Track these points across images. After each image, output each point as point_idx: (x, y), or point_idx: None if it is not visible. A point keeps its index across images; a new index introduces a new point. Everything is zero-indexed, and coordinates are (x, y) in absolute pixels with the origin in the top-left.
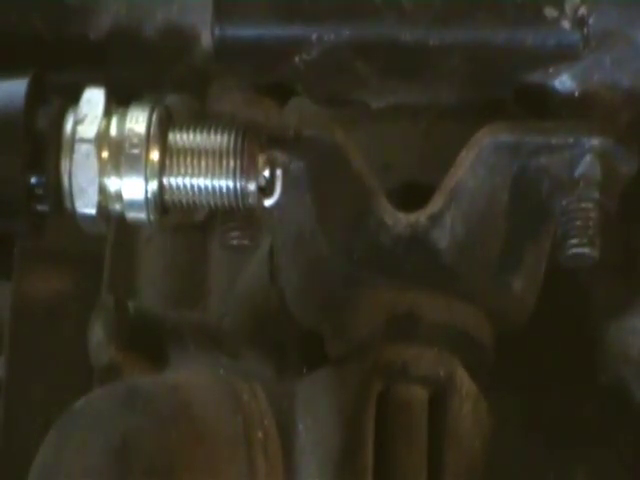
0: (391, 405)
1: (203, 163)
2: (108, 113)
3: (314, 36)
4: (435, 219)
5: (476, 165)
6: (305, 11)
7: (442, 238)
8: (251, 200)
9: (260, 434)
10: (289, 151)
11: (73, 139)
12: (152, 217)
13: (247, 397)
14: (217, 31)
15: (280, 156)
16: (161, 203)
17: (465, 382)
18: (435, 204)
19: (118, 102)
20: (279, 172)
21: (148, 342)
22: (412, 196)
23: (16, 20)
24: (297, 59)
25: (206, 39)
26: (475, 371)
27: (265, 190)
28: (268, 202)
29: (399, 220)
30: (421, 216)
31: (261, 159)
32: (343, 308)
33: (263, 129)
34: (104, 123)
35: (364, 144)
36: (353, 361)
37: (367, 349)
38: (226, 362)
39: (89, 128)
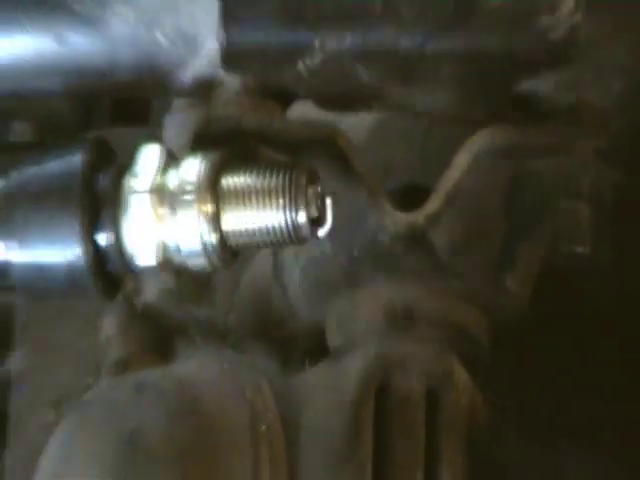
0: (390, 400)
1: (254, 204)
2: (164, 167)
3: (317, 42)
4: (432, 219)
5: (472, 167)
6: (308, 19)
7: (439, 237)
8: (304, 232)
9: (264, 427)
10: (293, 154)
11: (129, 193)
12: (214, 262)
13: (252, 391)
14: (224, 38)
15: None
16: (220, 248)
17: (462, 377)
18: (433, 204)
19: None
20: (329, 201)
21: (156, 338)
22: (411, 197)
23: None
24: (301, 65)
25: (213, 45)
26: (471, 366)
27: (318, 220)
28: (321, 232)
29: (398, 220)
30: (419, 216)
31: (310, 192)
32: (343, 304)
33: (269, 132)
34: (159, 176)
35: (366, 147)
36: (353, 355)
37: (366, 344)
38: (231, 357)
39: (144, 181)
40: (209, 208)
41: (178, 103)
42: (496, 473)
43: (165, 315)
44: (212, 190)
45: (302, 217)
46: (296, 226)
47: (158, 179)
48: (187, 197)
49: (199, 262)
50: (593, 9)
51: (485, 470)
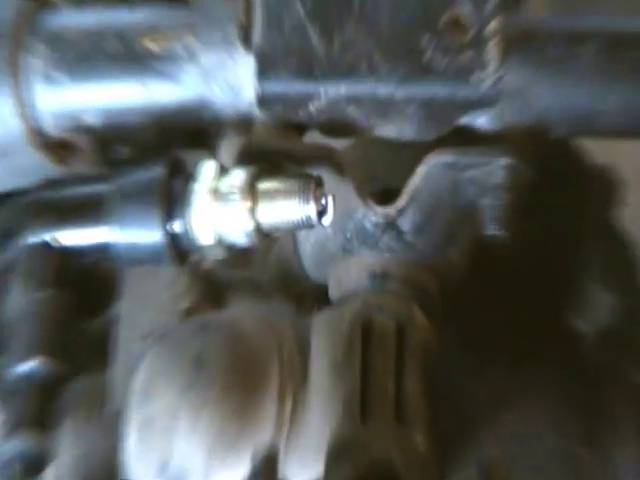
0: (372, 333)
1: (280, 201)
2: (218, 175)
3: (322, 91)
4: (401, 211)
5: (428, 176)
6: (316, 75)
7: (406, 224)
8: (313, 221)
9: (286, 353)
10: (306, 167)
11: (195, 194)
12: (252, 241)
13: (279, 328)
14: (259, 87)
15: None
16: (256, 232)
17: (420, 319)
18: (401, 201)
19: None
20: (330, 199)
21: (213, 293)
22: (387, 196)
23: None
24: (311, 106)
25: (251, 93)
26: (427, 312)
27: (322, 212)
28: (325, 220)
29: (377, 212)
30: (392, 209)
31: (317, 193)
32: (340, 269)
33: (290, 152)
34: (215, 182)
35: (355, 161)
36: (347, 304)
37: (356, 296)
38: (264, 305)
39: (204, 186)
40: (248, 204)
41: (229, 133)
42: (442, 389)
43: (219, 277)
44: (250, 192)
45: (312, 210)
46: (308, 216)
47: (214, 184)
48: (233, 197)
49: (242, 241)
50: (513, 66)
51: (435, 386)
